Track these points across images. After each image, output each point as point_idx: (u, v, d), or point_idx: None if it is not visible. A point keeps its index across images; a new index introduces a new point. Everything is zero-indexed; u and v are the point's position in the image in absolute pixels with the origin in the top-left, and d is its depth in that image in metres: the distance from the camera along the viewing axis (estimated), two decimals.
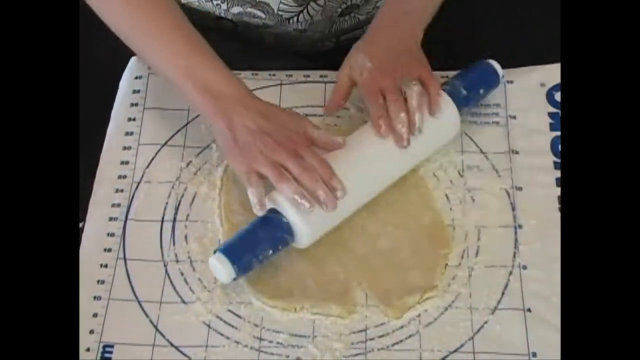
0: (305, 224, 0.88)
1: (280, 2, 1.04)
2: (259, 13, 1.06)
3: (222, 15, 1.09)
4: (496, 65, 1.00)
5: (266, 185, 0.88)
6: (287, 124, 0.90)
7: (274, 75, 1.07)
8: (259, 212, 0.88)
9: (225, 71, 0.93)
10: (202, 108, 0.92)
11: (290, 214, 0.87)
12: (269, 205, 0.89)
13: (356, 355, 0.86)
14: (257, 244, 0.87)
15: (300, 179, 0.87)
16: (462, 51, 1.05)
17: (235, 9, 1.07)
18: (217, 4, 1.07)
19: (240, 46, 1.12)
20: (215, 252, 0.87)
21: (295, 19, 1.07)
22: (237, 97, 0.91)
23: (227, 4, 1.06)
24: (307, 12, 1.06)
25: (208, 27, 1.11)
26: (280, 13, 1.06)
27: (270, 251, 0.88)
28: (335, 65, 1.00)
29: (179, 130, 1.02)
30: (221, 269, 0.86)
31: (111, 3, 0.94)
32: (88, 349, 0.87)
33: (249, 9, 1.06)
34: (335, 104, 0.99)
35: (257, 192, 0.88)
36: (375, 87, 0.94)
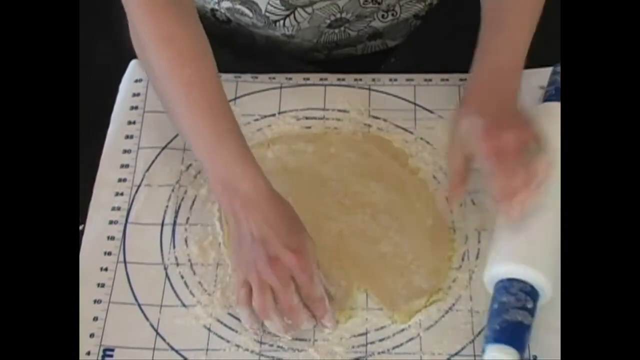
0: (546, 276, 0.85)
1: (268, 4, 1.03)
2: (247, 11, 1.05)
3: (216, 7, 1.09)
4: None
5: None
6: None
7: (274, 78, 1.07)
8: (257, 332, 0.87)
9: (247, 165, 0.89)
10: (218, 199, 0.92)
11: (536, 279, 0.85)
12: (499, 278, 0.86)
13: (357, 358, 0.86)
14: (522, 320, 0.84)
15: (285, 312, 0.86)
16: (462, 52, 1.05)
17: (225, 3, 1.06)
18: None
19: (234, 50, 1.12)
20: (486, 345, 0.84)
21: (282, 22, 1.06)
22: (252, 195, 0.88)
23: None
24: (294, 17, 1.06)
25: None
26: (267, 14, 1.05)
27: (532, 319, 0.85)
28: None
29: (179, 134, 1.02)
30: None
31: (157, 69, 0.92)
32: (88, 353, 0.86)
33: (238, 6, 1.05)
34: (459, 192, 0.92)
35: (245, 313, 0.87)
36: (493, 146, 0.86)
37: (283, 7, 1.04)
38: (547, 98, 0.99)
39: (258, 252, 0.86)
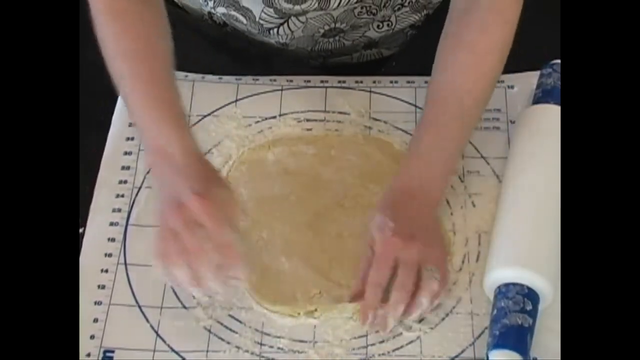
0: (543, 276, 0.85)
1: (262, 12, 1.03)
2: (242, 18, 1.05)
3: (212, 11, 1.09)
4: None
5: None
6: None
7: (275, 80, 1.07)
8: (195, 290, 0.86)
9: (175, 130, 0.90)
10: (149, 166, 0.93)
11: (532, 280, 0.85)
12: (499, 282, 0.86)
13: None
14: (523, 323, 0.83)
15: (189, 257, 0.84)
16: None
17: (220, 9, 1.06)
18: (205, 2, 1.07)
19: (231, 52, 1.12)
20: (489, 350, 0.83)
21: (276, 30, 1.06)
22: (179, 159, 0.88)
23: (214, 2, 1.06)
24: (288, 26, 1.05)
25: (200, 32, 1.12)
26: (261, 22, 1.05)
27: (534, 322, 0.84)
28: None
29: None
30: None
31: (105, 43, 0.92)
32: (89, 354, 0.86)
33: (233, 12, 1.05)
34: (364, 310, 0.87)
35: (158, 267, 0.86)
36: (392, 250, 0.86)
37: (277, 16, 1.04)
38: (535, 100, 0.99)
39: (170, 202, 0.86)
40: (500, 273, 0.86)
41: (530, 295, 0.85)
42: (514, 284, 0.85)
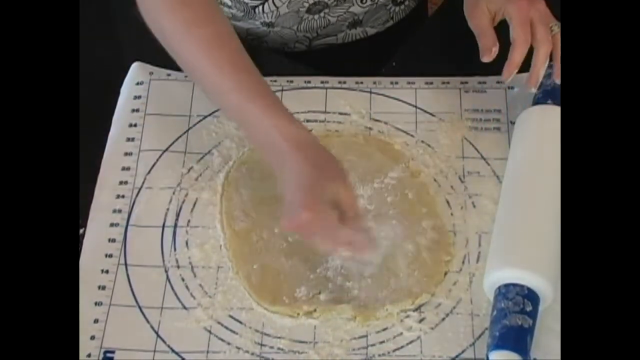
0: (543, 277, 0.85)
1: None
2: (226, 0, 1.05)
3: None
4: None
5: None
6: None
7: (275, 81, 1.07)
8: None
9: (278, 118, 0.88)
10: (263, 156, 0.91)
11: (532, 280, 0.85)
12: (494, 285, 0.87)
13: None
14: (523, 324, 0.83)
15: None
16: (463, 55, 1.05)
17: None
18: None
19: None
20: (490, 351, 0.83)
21: (261, 8, 1.06)
22: (287, 146, 0.87)
23: None
24: (273, 2, 1.05)
25: None
26: (246, 1, 1.05)
27: (533, 323, 0.84)
28: (311, 66, 0.98)
29: (180, 137, 1.02)
30: None
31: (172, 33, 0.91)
32: (89, 355, 0.86)
33: None
34: (490, 50, 0.96)
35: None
36: (526, 12, 0.93)
37: None
38: (535, 101, 0.99)
39: (311, 185, 0.85)
40: (500, 274, 0.86)
41: (530, 296, 0.84)
42: (514, 285, 0.85)
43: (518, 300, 0.84)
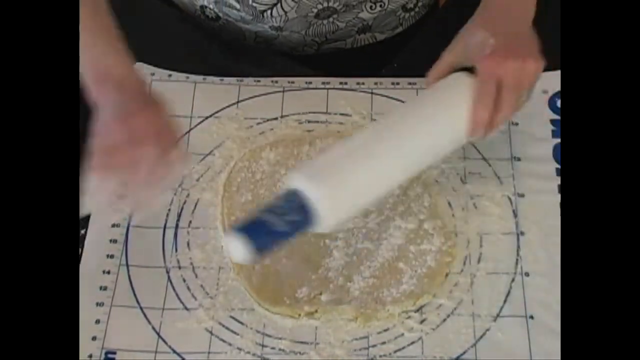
0: (330, 204, 0.79)
1: None
2: (235, 3, 1.05)
3: (204, 4, 1.09)
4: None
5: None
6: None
7: (276, 82, 1.07)
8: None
9: (119, 55, 0.87)
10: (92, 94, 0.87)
11: (313, 193, 0.79)
12: (288, 185, 0.81)
13: None
14: (277, 226, 0.77)
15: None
16: None
17: None
18: None
19: (223, 48, 1.12)
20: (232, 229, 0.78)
21: (269, 12, 1.06)
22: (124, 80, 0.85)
23: None
24: (282, 6, 1.06)
25: (193, 24, 1.12)
26: (254, 4, 1.05)
27: (290, 234, 0.79)
28: (319, 69, 0.98)
29: (181, 137, 1.02)
30: (238, 248, 0.77)
31: None
32: (90, 356, 0.87)
33: None
34: (428, 82, 0.91)
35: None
36: (494, 71, 0.85)
37: None
38: None
39: (112, 117, 0.82)
40: (296, 178, 0.81)
41: (304, 210, 0.79)
42: (297, 192, 0.79)
43: (291, 207, 0.78)
